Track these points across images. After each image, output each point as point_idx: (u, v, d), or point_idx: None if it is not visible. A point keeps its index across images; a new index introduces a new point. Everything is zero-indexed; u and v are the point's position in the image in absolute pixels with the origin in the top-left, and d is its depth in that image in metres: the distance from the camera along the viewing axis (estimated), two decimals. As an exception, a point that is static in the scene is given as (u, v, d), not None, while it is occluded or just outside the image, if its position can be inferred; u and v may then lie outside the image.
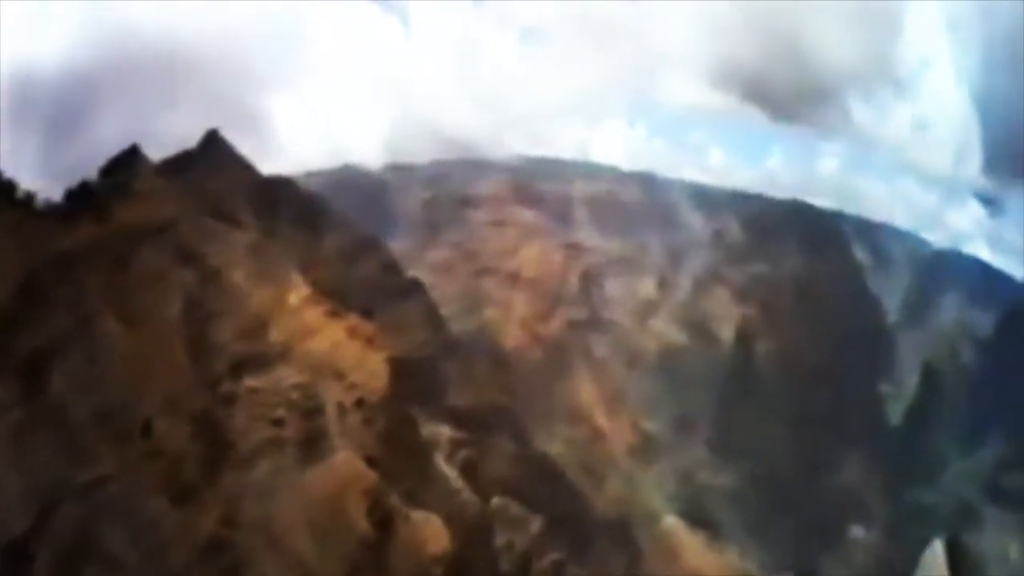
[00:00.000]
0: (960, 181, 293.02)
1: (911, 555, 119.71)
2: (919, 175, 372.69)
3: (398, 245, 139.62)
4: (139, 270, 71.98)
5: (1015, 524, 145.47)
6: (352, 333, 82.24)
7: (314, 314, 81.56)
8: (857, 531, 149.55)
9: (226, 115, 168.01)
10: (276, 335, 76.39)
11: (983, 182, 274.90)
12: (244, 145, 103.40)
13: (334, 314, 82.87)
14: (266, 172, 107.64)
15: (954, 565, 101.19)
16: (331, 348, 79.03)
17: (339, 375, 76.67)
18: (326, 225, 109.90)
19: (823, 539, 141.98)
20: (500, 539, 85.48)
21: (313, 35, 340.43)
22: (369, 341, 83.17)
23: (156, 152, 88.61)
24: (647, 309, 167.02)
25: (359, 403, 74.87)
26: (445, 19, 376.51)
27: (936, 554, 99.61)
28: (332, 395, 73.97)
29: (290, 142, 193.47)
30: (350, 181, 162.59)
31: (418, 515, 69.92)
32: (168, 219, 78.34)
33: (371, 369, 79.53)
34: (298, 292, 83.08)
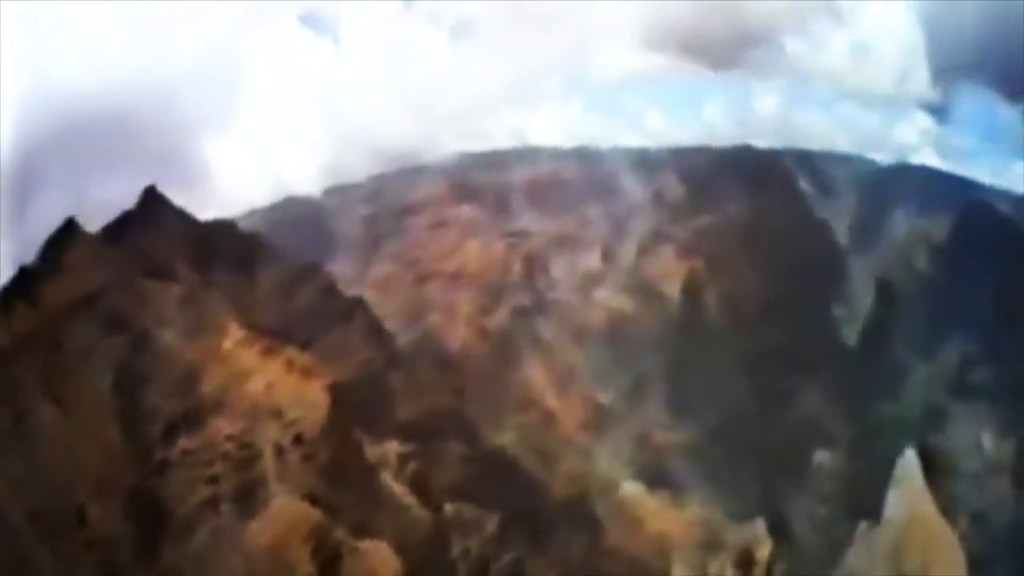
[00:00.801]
0: (904, 97, 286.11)
1: (880, 471, 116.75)
2: (861, 99, 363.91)
3: (341, 267, 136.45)
4: (70, 348, 69.65)
5: (985, 414, 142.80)
6: (289, 367, 79.19)
7: (248, 356, 78.70)
8: (822, 456, 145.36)
9: (167, 169, 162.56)
10: (208, 386, 73.92)
11: (930, 93, 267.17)
12: (187, 195, 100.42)
13: (269, 351, 79.74)
14: (210, 218, 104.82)
15: (927, 469, 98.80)
16: (267, 388, 76.18)
17: (276, 414, 73.94)
18: (263, 262, 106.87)
19: (789, 474, 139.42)
20: (456, 547, 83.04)
21: (247, 70, 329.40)
22: (306, 372, 80.00)
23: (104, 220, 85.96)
24: (592, 282, 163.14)
25: (298, 439, 72.06)
26: (375, 29, 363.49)
27: (909, 461, 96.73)
28: (269, 436, 71.39)
29: (231, 184, 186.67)
30: (291, 212, 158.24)
31: (366, 545, 67.28)
32: (97, 288, 75.95)
33: (310, 401, 76.49)
34: (232, 337, 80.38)
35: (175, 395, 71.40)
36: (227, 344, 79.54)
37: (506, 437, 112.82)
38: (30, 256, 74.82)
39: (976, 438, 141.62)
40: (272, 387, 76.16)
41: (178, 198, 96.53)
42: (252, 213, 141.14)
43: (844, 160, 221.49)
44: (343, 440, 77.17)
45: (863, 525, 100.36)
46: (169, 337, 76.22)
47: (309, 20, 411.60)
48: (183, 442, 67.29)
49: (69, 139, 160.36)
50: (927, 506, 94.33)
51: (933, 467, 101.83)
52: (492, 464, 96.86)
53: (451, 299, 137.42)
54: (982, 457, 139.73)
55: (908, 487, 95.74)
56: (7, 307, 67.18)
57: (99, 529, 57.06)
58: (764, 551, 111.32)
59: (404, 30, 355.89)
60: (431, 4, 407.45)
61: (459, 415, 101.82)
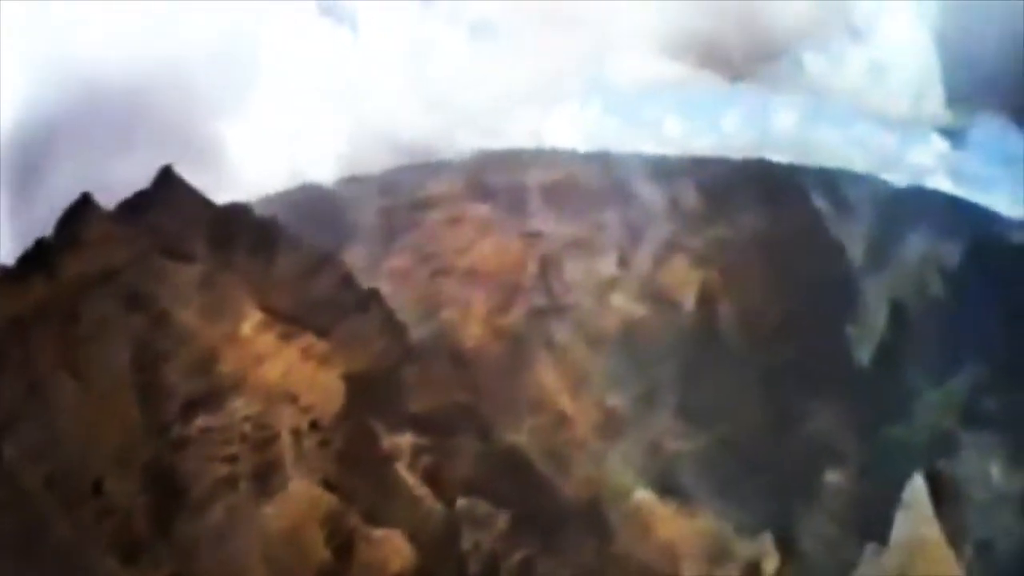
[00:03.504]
0: (920, 119, 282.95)
1: (889, 493, 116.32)
2: (878, 119, 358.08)
3: (357, 257, 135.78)
4: (88, 322, 69.96)
5: (995, 444, 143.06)
6: (306, 354, 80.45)
7: (266, 340, 79.62)
8: (832, 476, 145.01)
9: (183, 149, 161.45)
10: (227, 367, 74.35)
11: (945, 116, 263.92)
12: (202, 176, 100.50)
13: (287, 337, 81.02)
14: (225, 201, 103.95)
15: (936, 495, 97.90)
16: (284, 373, 77.19)
17: (293, 399, 74.79)
18: (280, 248, 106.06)
19: (798, 491, 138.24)
20: (467, 541, 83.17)
21: (265, 56, 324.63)
22: (323, 360, 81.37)
23: (118, 196, 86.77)
24: (607, 287, 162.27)
25: (314, 425, 72.92)
26: (394, 22, 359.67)
27: (917, 487, 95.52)
28: (286, 421, 71.94)
29: (247, 168, 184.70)
30: (308, 200, 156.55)
31: (379, 533, 67.79)
32: (117, 265, 76.51)
33: (326, 388, 77.76)
34: (250, 320, 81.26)
35: (193, 375, 71.80)
36: (245, 327, 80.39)
37: (519, 437, 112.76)
38: (41, 232, 74.48)
39: (985, 468, 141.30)
40: (289, 372, 77.13)
41: (193, 180, 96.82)
42: (268, 199, 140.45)
43: (860, 180, 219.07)
44: (358, 428, 77.88)
45: (870, 547, 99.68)
46: (188, 317, 76.76)
47: (328, 9, 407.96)
48: (201, 420, 67.69)
49: (82, 115, 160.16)
50: (933, 532, 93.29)
51: (940, 493, 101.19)
52: (505, 462, 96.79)
53: (466, 296, 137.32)
54: (990, 487, 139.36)
55: (915, 512, 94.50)
56: (23, 277, 67.45)
57: (115, 500, 57.46)
58: (771, 565, 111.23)
59: (423, 26, 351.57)
60: (451, 2, 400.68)
61: (473, 412, 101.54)
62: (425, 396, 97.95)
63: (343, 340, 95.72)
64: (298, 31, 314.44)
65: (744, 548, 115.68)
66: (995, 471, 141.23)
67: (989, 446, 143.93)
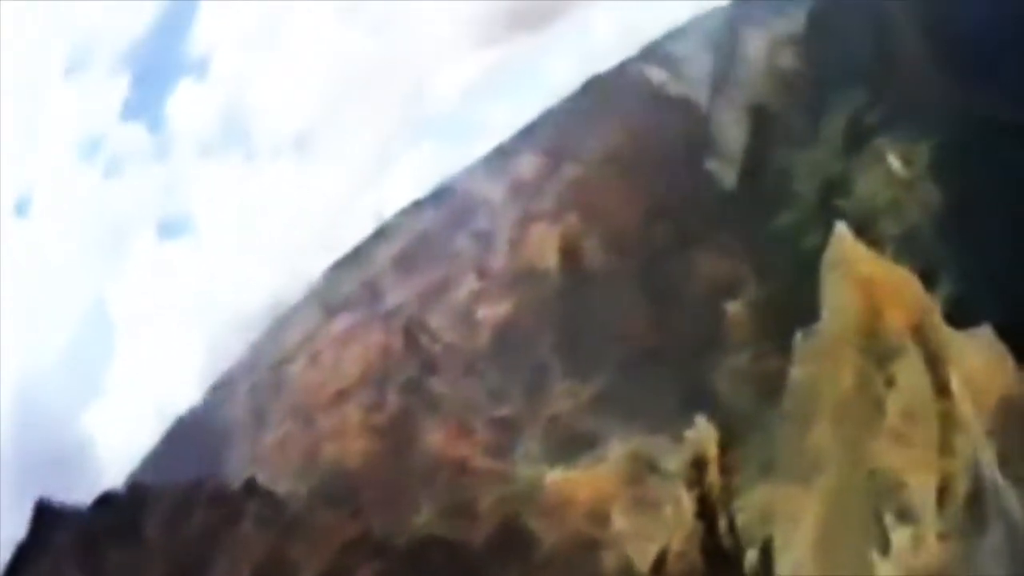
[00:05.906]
0: None
1: (793, 281, 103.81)
2: None
3: (237, 457, 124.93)
4: None
5: (887, 142, 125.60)
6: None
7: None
8: (733, 308, 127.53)
9: (54, 469, 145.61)
10: None
11: None
12: (80, 480, 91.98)
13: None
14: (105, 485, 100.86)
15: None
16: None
17: None
18: (148, 510, 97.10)
19: (705, 348, 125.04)
20: None
21: (116, 324, 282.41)
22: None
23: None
24: (471, 307, 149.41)
25: None
26: (226, 199, 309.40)
27: (843, 237, 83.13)
28: None
29: (120, 443, 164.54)
30: (178, 434, 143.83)
31: None
32: None
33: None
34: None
35: None
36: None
37: (420, 518, 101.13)
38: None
39: (886, 168, 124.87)
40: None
41: (72, 490, 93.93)
42: (147, 459, 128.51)
43: (686, 29, 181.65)
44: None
45: (799, 335, 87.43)
46: None
47: (167, 229, 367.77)
48: None
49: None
50: (874, 266, 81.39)
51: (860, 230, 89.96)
52: (408, 561, 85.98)
53: (340, 421, 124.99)
54: (894, 181, 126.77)
55: (847, 262, 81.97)
56: None
57: None
58: (712, 448, 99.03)
59: (252, 182, 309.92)
60: (270, 140, 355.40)
61: (366, 538, 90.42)
62: (314, 559, 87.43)
63: (221, 563, 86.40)
64: (143, 272, 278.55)
65: (675, 451, 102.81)
66: (894, 163, 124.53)
67: (882, 147, 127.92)
